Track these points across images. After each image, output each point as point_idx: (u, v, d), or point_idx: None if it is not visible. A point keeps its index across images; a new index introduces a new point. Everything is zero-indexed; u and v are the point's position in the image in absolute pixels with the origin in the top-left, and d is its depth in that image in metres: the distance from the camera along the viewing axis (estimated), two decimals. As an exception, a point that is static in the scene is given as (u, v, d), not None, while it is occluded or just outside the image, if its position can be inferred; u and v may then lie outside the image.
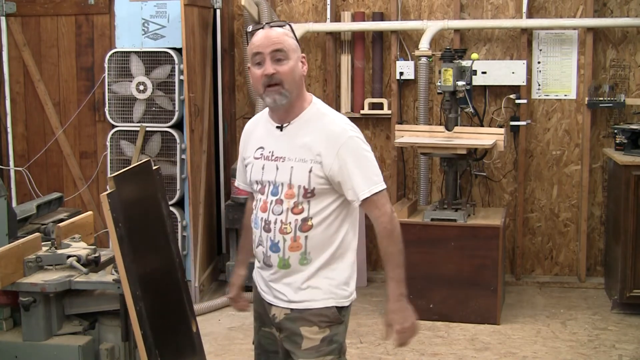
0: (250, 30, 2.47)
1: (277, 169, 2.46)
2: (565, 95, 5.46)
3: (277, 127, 2.49)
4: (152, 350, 2.43)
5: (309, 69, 5.73)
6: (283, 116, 2.48)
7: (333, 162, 2.40)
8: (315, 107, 2.50)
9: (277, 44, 2.37)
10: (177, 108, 5.24)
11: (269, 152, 2.50)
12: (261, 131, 2.55)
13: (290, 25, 2.47)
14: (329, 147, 2.40)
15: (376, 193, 2.42)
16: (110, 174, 5.41)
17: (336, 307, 2.49)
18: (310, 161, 2.42)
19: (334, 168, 2.40)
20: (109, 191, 2.40)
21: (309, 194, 2.42)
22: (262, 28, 2.42)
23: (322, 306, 2.46)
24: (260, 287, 2.59)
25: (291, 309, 2.48)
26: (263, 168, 2.50)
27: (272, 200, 2.46)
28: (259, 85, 2.42)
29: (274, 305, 2.52)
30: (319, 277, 2.47)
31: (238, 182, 2.72)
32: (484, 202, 5.58)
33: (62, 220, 3.41)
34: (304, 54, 2.48)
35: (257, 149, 2.54)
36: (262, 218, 2.49)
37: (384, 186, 2.46)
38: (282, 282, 2.49)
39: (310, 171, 2.41)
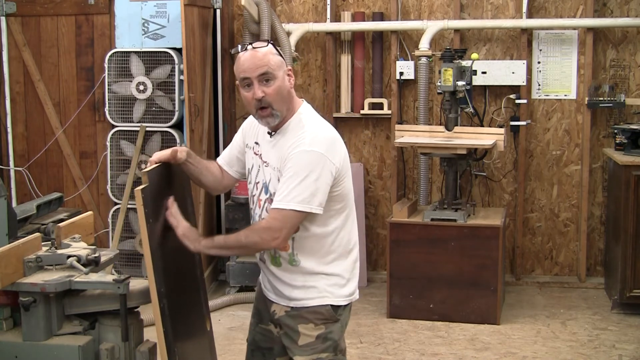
0: (234, 52, 2.53)
1: (268, 173, 2.56)
2: (565, 95, 5.46)
3: (268, 132, 2.58)
4: (172, 347, 2.43)
5: (309, 69, 5.73)
6: (272, 126, 2.56)
7: (282, 168, 2.46)
8: (299, 117, 2.54)
9: (263, 67, 2.44)
10: (177, 108, 5.24)
11: (261, 152, 2.60)
12: (262, 129, 2.62)
13: (272, 44, 2.51)
14: (287, 155, 2.45)
15: (282, 209, 2.39)
16: (111, 174, 5.47)
17: (332, 305, 2.54)
18: (277, 170, 2.50)
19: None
20: (142, 186, 2.41)
21: None
22: (246, 49, 2.47)
23: (317, 304, 2.53)
24: (263, 284, 2.67)
25: (291, 307, 2.56)
26: (259, 167, 2.59)
27: (264, 199, 2.56)
28: (251, 107, 2.51)
29: (275, 303, 2.60)
30: (315, 277, 2.54)
31: (219, 158, 2.80)
32: (484, 202, 5.58)
33: (62, 220, 3.41)
34: (289, 67, 2.54)
35: (255, 144, 2.63)
36: (258, 215, 2.59)
37: (300, 209, 2.39)
38: (279, 279, 2.57)
39: (278, 179, 2.49)
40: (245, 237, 2.45)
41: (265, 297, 2.65)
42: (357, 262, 2.63)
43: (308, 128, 2.49)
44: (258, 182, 2.58)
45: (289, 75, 2.52)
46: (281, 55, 2.52)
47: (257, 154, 2.61)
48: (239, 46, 2.51)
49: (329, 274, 2.54)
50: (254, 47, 2.47)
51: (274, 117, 2.48)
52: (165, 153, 2.58)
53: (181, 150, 2.61)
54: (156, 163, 2.54)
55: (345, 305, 2.59)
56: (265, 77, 2.44)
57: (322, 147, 2.44)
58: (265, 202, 2.54)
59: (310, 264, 2.52)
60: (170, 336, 2.43)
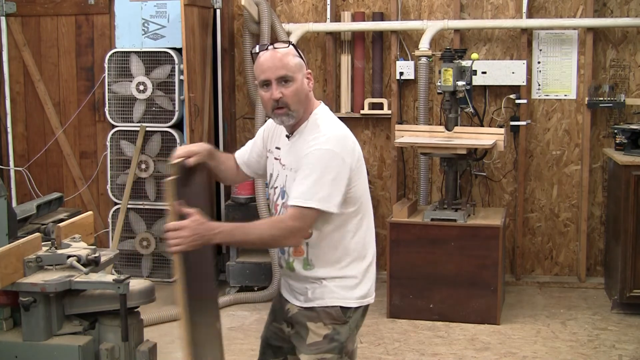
0: (254, 52, 2.53)
1: (284, 175, 2.56)
2: (565, 95, 5.46)
3: (287, 135, 2.59)
4: (195, 342, 2.43)
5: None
6: (289, 128, 2.57)
7: (299, 167, 2.45)
8: (314, 118, 2.54)
9: (282, 69, 2.45)
10: (177, 108, 5.25)
11: (280, 157, 2.61)
12: (282, 132, 2.62)
13: (294, 45, 2.52)
14: (302, 154, 2.45)
15: (301, 207, 2.38)
16: (111, 174, 5.47)
17: (341, 307, 2.56)
18: (293, 170, 2.50)
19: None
20: (172, 177, 2.39)
21: None
22: (267, 49, 2.48)
23: (327, 305, 2.54)
24: (282, 284, 2.72)
25: (304, 307, 2.58)
26: (279, 172, 2.60)
27: (281, 204, 2.56)
28: (268, 107, 2.51)
29: (290, 302, 2.63)
30: (327, 279, 2.55)
31: (237, 156, 2.78)
32: (484, 202, 5.58)
33: (62, 220, 3.41)
34: (309, 70, 2.55)
35: (276, 149, 2.64)
36: None
37: (319, 207, 2.38)
38: (295, 281, 2.60)
39: (294, 180, 2.48)
40: (268, 236, 2.41)
41: (281, 296, 2.69)
42: (372, 266, 2.63)
43: (323, 128, 2.49)
44: (276, 187, 2.59)
45: (308, 78, 2.54)
46: (302, 57, 2.53)
47: (277, 159, 2.62)
48: (258, 46, 2.52)
49: (341, 276, 2.55)
50: (274, 48, 2.48)
51: (290, 117, 2.49)
52: (190, 149, 2.56)
53: (198, 156, 2.57)
54: (182, 157, 2.52)
55: (357, 308, 2.60)
56: (284, 79, 2.45)
57: (337, 146, 2.45)
58: (281, 208, 2.55)
59: (324, 268, 2.53)
60: (190, 335, 2.42)
